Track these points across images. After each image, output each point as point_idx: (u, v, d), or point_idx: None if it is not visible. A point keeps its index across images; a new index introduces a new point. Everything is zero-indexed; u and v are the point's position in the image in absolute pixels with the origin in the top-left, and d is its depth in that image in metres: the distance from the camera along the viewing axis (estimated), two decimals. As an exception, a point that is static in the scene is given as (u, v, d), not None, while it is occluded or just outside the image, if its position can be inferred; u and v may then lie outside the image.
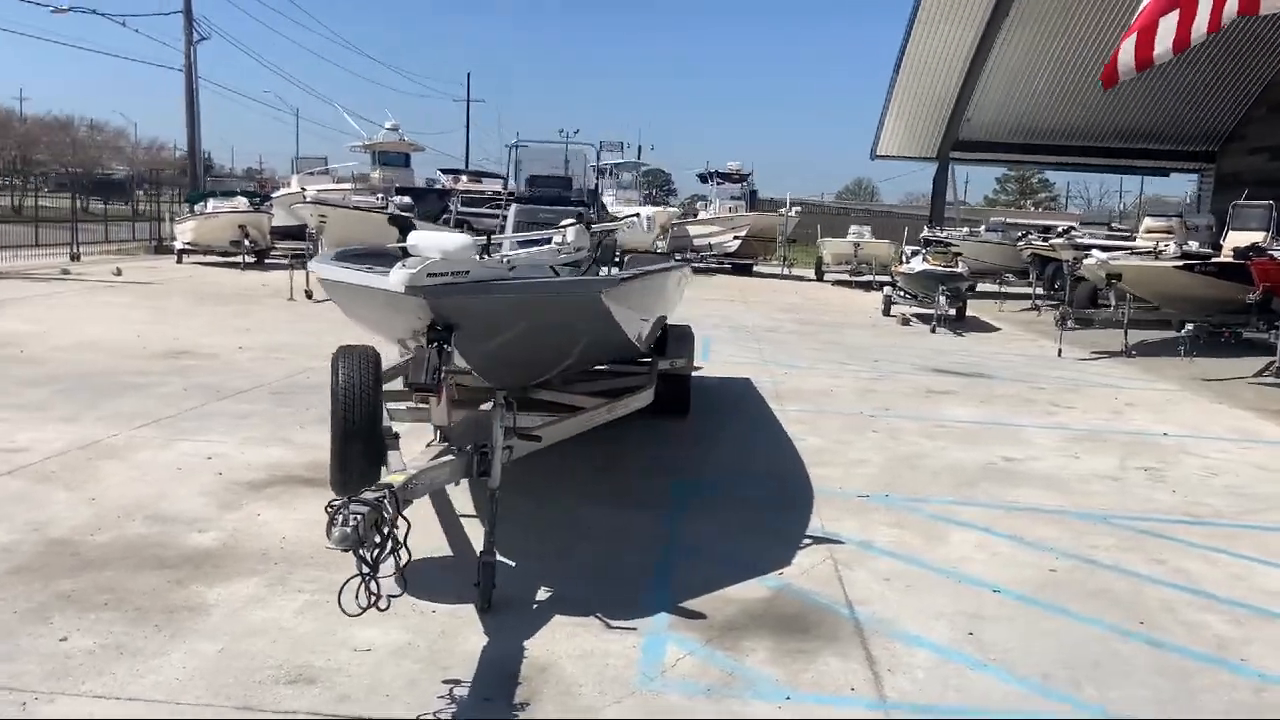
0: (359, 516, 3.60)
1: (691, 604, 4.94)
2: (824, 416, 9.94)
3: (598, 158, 9.93)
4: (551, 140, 11.14)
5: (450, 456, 4.79)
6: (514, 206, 9.62)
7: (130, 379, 10.08)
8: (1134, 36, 12.54)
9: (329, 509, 3.73)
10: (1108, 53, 14.67)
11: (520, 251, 5.72)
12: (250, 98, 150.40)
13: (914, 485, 7.52)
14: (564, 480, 7.00)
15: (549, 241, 5.65)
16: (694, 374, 9.85)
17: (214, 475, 6.82)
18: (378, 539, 3.75)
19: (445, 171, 44.66)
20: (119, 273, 22.12)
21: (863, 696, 4.14)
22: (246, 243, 25.69)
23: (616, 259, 9.01)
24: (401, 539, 3.95)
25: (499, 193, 37.82)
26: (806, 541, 6.01)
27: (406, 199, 27.01)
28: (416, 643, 4.40)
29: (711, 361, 12.63)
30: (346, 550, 3.59)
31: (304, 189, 27.77)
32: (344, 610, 3.68)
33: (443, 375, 4.49)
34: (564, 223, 5.49)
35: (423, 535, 5.68)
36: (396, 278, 4.38)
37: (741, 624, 4.78)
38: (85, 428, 7.95)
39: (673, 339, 9.42)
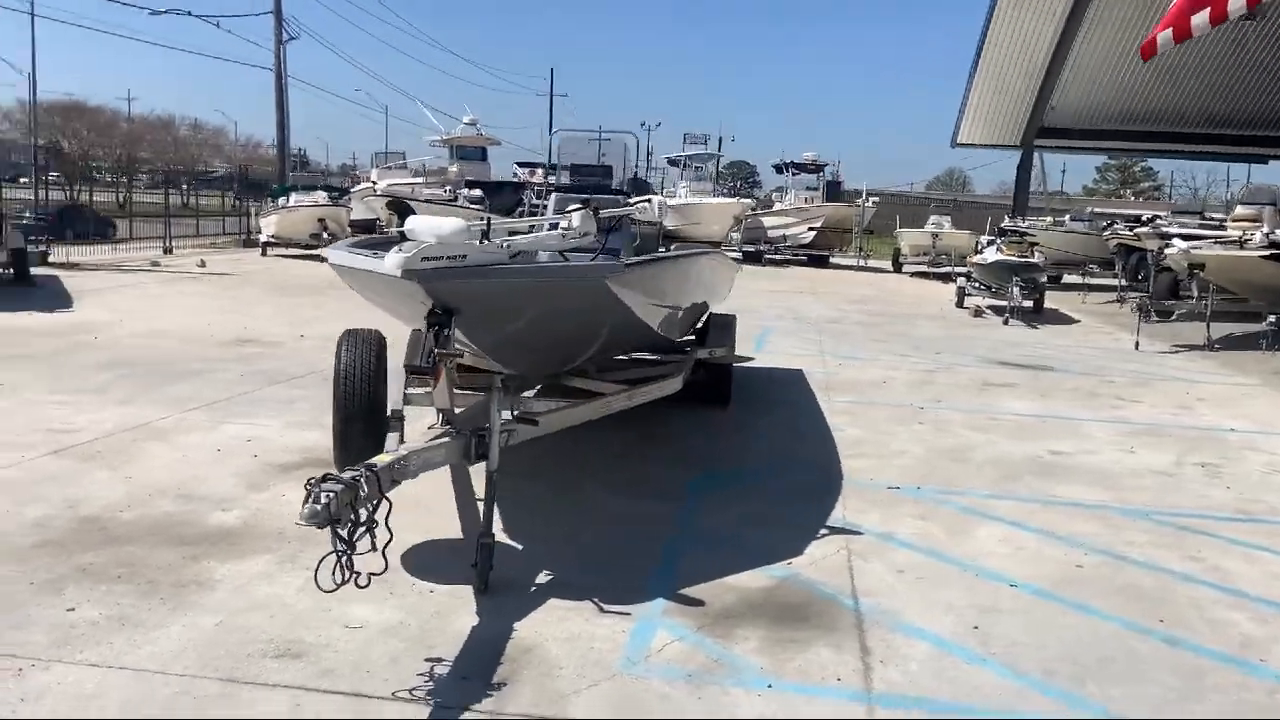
0: (332, 494, 3.66)
1: (692, 591, 4.90)
2: (872, 408, 9.77)
3: (639, 146, 9.89)
4: (591, 130, 11.12)
5: (447, 438, 4.83)
6: (553, 196, 9.67)
7: (192, 365, 10.40)
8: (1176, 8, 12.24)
9: (307, 486, 3.80)
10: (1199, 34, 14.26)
11: (522, 236, 5.72)
12: (342, 97, 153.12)
13: (950, 478, 7.35)
14: (585, 466, 7.01)
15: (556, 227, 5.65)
16: (747, 364, 9.78)
17: (250, 457, 6.99)
18: (354, 517, 3.79)
19: (521, 165, 45.08)
20: (203, 264, 22.84)
21: (848, 687, 4.07)
22: (325, 235, 26.29)
23: (661, 247, 8.99)
24: (381, 519, 4.00)
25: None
26: (823, 532, 5.92)
27: (477, 192, 27.34)
28: (409, 621, 4.46)
29: (768, 351, 12.54)
30: (316, 527, 3.65)
31: (376, 183, 28.33)
32: (319, 586, 3.74)
33: (436, 358, 4.54)
34: (570, 208, 5.48)
35: (438, 517, 5.78)
36: (392, 262, 4.45)
37: (739, 612, 4.73)
38: (139, 410, 8.23)
39: (714, 328, 9.38)
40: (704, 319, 9.43)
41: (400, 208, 5.34)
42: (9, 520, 5.49)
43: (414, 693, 3.82)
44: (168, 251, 25.79)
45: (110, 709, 3.64)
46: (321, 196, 29.09)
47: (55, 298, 15.72)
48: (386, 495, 4.08)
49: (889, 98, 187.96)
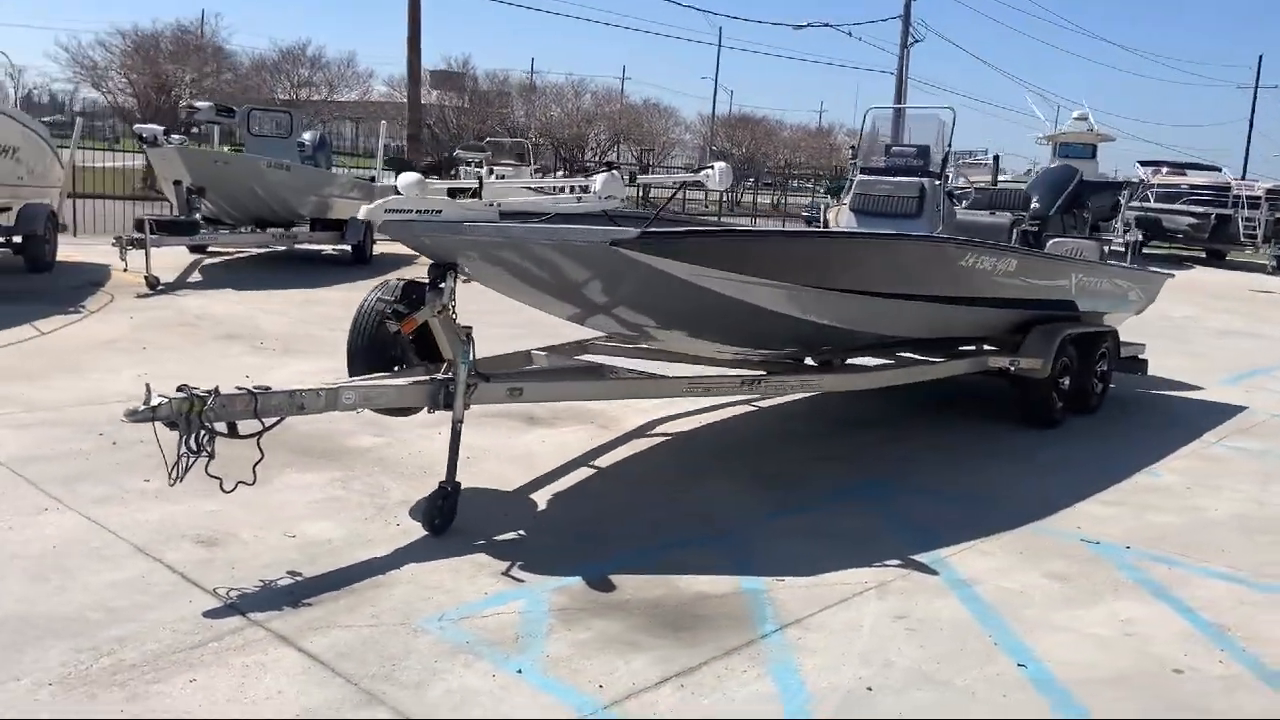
0: (166, 400, 4.16)
1: (629, 579, 4.60)
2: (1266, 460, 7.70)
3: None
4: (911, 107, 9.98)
5: (414, 380, 5.07)
6: (857, 178, 9.02)
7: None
8: None
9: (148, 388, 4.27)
10: None
11: (515, 198, 5.63)
12: (957, 93, 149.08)
13: (1194, 543, 5.66)
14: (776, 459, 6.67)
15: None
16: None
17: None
18: (204, 426, 4.24)
19: (1144, 164, 40.75)
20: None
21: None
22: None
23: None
24: (256, 441, 4.42)
25: (1200, 186, 33.67)
26: (891, 562, 5.04)
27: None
28: (333, 538, 4.85)
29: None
30: (131, 422, 4.17)
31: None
32: (170, 477, 4.25)
33: (396, 308, 4.86)
34: (598, 173, 5.27)
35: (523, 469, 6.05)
36: (364, 209, 4.85)
37: (636, 608, 4.35)
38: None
39: (1036, 336, 8.07)
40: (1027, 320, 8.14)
41: (398, 166, 5.64)
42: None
43: (273, 583, 4.23)
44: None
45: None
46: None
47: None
48: (262, 418, 4.47)
49: None
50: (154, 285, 12.09)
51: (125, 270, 12.61)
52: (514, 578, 4.58)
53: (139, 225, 12.45)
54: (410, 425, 6.72)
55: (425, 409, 5.07)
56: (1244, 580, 5.15)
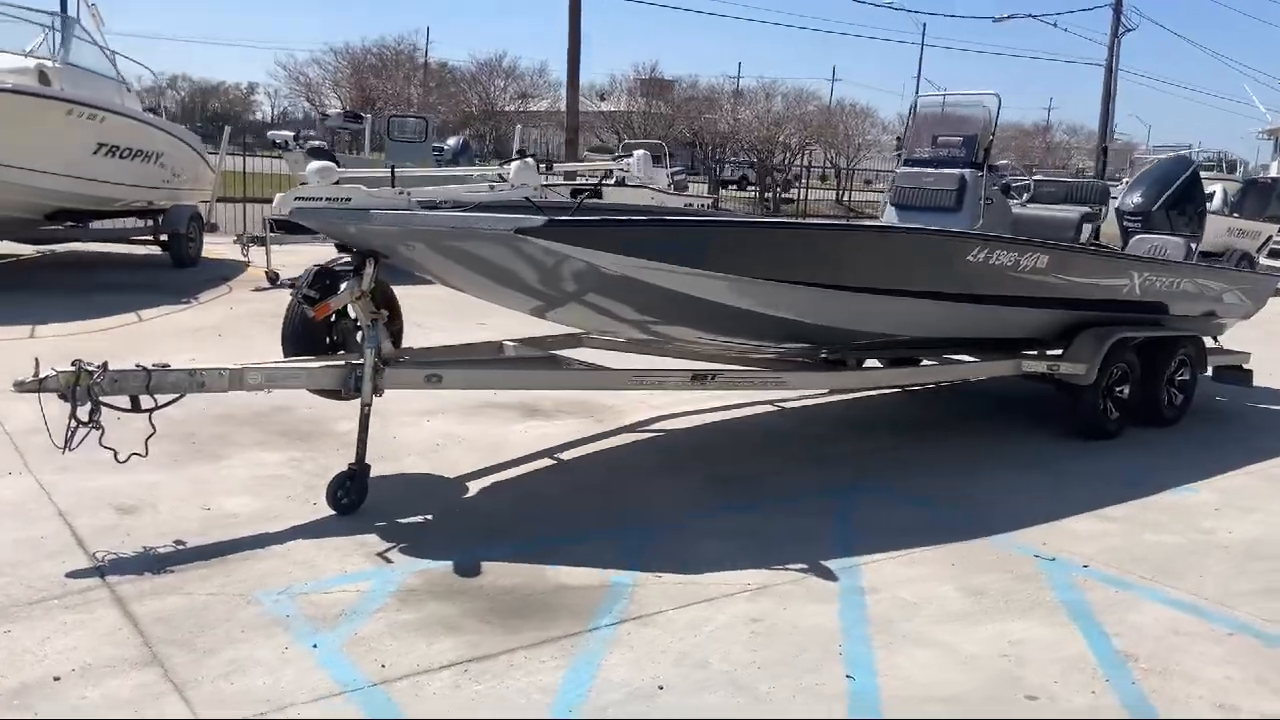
0: (54, 373, 4.43)
1: (500, 567, 4.58)
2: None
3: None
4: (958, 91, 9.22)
5: (326, 364, 5.19)
6: (899, 171, 8.51)
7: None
8: None
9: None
10: None
11: (429, 187, 5.58)
12: (1173, 83, 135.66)
13: (1170, 567, 5.09)
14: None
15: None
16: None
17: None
18: (91, 399, 4.49)
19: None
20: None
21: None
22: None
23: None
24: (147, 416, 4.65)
25: None
26: (798, 565, 4.78)
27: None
28: (244, 513, 5.04)
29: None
30: (19, 392, 4.45)
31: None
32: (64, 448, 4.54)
33: (306, 293, 5.01)
34: (510, 160, 5.17)
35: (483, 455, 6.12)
36: (278, 199, 5.03)
37: (484, 594, 4.32)
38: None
39: (1084, 339, 7.47)
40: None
41: (317, 155, 5.74)
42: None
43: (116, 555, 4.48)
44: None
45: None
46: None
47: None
48: (155, 394, 4.69)
49: None
50: (274, 280, 12.88)
51: (250, 266, 13.53)
52: (385, 558, 4.63)
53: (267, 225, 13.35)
54: (405, 412, 6.93)
55: (341, 392, 5.20)
56: (1197, 609, 4.59)
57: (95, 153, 12.20)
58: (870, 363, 7.62)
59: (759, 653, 3.93)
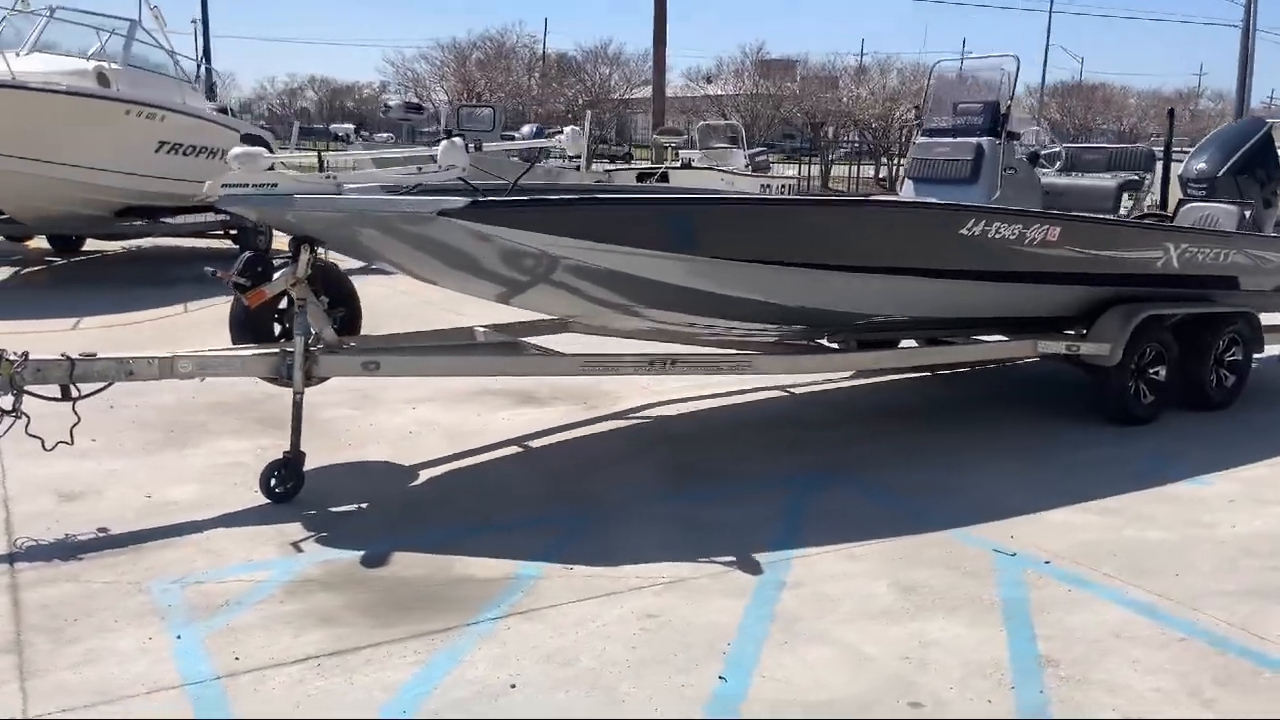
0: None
1: (409, 557, 4.48)
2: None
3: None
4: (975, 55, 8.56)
5: (258, 352, 5.14)
6: (916, 141, 8.01)
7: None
8: None
9: None
10: None
11: (357, 170, 5.40)
12: None
13: (1144, 564, 4.65)
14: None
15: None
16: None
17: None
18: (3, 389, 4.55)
19: None
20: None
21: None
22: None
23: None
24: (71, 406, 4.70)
25: None
26: (725, 558, 4.53)
27: None
28: (183, 501, 5.06)
29: None
30: None
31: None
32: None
33: (237, 280, 4.98)
34: (442, 141, 4.98)
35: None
36: (208, 185, 5.02)
37: (379, 585, 4.22)
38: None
39: (1110, 317, 6.94)
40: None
41: (251, 140, 5.64)
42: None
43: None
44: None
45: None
46: None
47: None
48: (78, 384, 4.72)
49: None
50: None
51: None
52: (297, 548, 4.58)
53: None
54: (392, 401, 6.92)
55: (275, 379, 5.17)
56: (1154, 611, 4.17)
57: (157, 151, 12.60)
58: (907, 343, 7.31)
59: (637, 651, 3.72)
